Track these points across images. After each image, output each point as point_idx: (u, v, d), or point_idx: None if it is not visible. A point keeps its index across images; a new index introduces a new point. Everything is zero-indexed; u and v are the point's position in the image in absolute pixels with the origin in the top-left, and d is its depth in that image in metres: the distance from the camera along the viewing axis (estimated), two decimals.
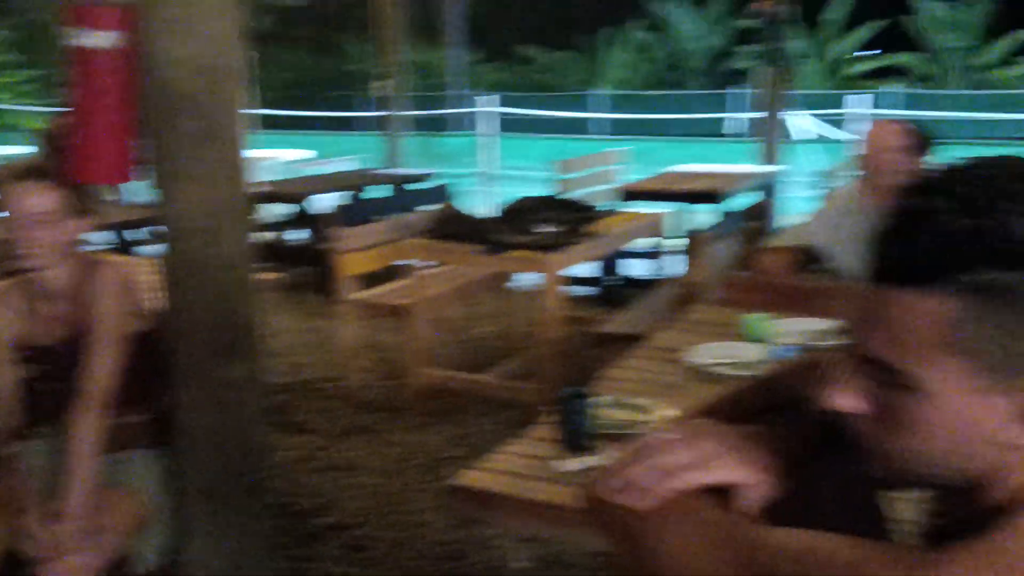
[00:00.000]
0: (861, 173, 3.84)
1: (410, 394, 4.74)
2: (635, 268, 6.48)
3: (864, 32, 26.47)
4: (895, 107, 22.29)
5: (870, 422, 0.92)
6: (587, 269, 6.26)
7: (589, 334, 4.36)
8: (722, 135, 18.72)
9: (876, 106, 21.93)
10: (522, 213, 4.36)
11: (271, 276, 4.79)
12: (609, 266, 6.33)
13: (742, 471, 1.00)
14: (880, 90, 24.14)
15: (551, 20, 30.55)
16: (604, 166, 7.28)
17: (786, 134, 12.75)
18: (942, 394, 0.86)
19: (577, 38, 29.75)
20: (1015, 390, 0.85)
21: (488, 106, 9.82)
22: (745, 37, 24.21)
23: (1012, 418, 0.85)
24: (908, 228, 0.87)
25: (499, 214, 4.50)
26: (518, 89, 29.07)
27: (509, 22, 30.96)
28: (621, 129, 22.46)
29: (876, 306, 0.89)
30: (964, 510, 0.90)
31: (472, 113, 10.34)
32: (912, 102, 22.87)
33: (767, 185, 7.25)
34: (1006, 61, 26.05)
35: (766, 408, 1.12)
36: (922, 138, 4.19)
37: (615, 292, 6.20)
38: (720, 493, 0.98)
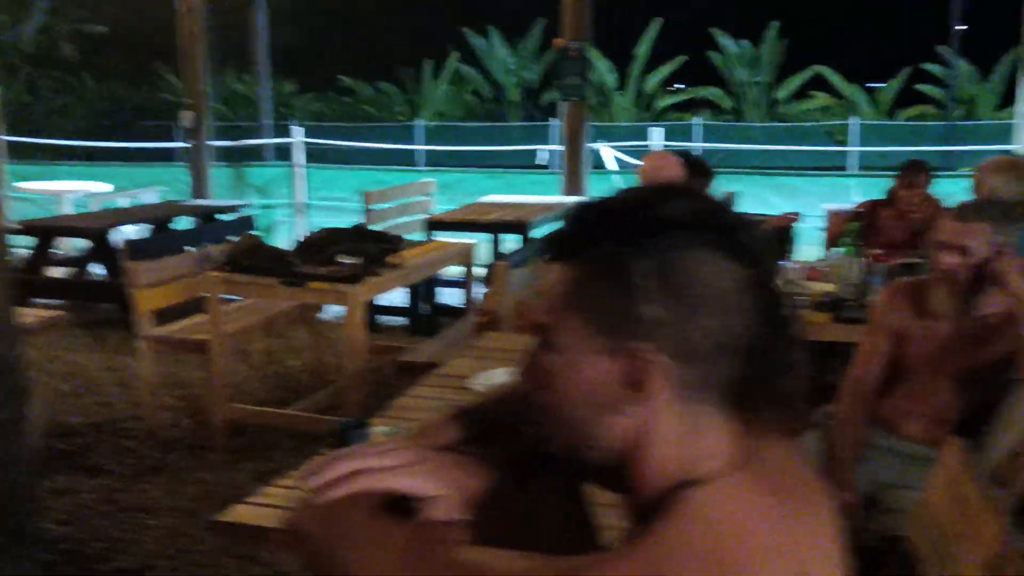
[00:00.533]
0: None
1: (214, 431, 4.62)
2: (447, 297, 6.54)
3: (671, 67, 27.59)
4: (696, 139, 23.43)
5: (535, 395, 1.01)
6: (398, 298, 6.28)
7: (393, 364, 4.37)
8: (540, 167, 19.14)
9: (678, 137, 23.04)
10: (322, 244, 4.34)
11: (44, 313, 4.57)
12: (421, 295, 6.37)
13: (431, 483, 1.04)
14: (691, 121, 25.32)
15: (373, 52, 30.53)
16: (413, 197, 7.33)
17: (600, 164, 13.18)
18: (568, 351, 0.97)
19: (399, 70, 29.88)
20: (622, 352, 0.93)
21: (296, 137, 9.73)
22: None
23: (619, 381, 0.94)
24: (566, 216, 1.02)
25: (298, 246, 4.47)
26: (341, 120, 28.92)
27: (331, 53, 30.76)
28: (442, 160, 22.66)
29: (544, 280, 1.02)
30: (634, 511, 0.97)
31: (286, 144, 10.21)
32: (712, 134, 24.08)
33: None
34: (800, 95, 27.73)
35: (487, 429, 1.17)
36: (697, 167, 4.45)
37: (426, 321, 6.24)
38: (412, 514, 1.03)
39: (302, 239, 4.55)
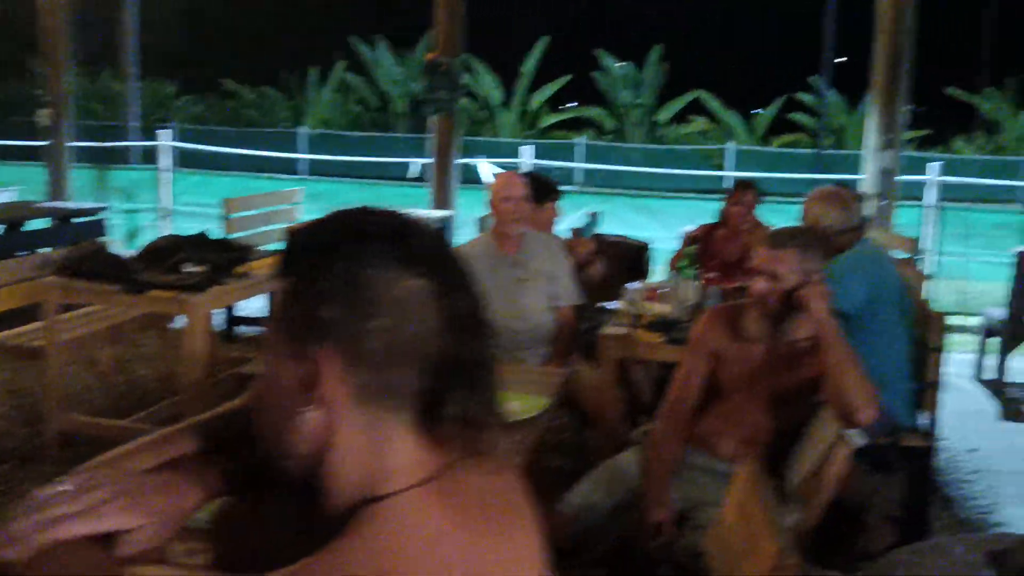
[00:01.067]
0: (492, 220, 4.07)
1: (47, 442, 4.45)
2: None
3: (556, 85, 27.92)
4: (579, 158, 23.76)
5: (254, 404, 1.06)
6: (254, 309, 6.18)
7: (235, 375, 4.30)
8: (416, 179, 19.16)
9: (562, 156, 23.31)
10: (165, 252, 4.25)
11: None
12: None
13: (125, 518, 1.02)
14: (574, 141, 25.64)
15: (258, 56, 30.05)
16: (278, 206, 7.23)
17: (477, 179, 13.24)
18: (269, 359, 1.02)
19: (284, 75, 29.46)
20: (302, 356, 0.97)
21: (163, 140, 9.50)
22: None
23: (299, 385, 0.97)
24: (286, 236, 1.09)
25: (141, 252, 4.36)
26: (223, 124, 28.32)
27: (214, 55, 30.14)
28: (326, 169, 22.41)
29: None
30: (329, 526, 0.97)
31: (153, 146, 9.96)
32: (594, 154, 24.45)
33: (441, 228, 7.49)
34: (680, 119, 28.40)
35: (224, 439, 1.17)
36: (543, 186, 4.53)
37: None
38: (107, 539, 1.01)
39: (146, 246, 4.44)
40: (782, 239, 2.84)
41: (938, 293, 8.62)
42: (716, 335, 2.96)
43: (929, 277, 4.95)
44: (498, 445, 1.00)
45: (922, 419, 3.86)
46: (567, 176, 22.35)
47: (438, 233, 1.05)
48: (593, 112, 29.00)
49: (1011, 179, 13.99)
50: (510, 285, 4.00)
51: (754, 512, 2.11)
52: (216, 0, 28.20)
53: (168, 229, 9.26)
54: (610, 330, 3.88)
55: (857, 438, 2.56)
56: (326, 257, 0.98)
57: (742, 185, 5.29)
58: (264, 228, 6.79)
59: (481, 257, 4.03)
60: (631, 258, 5.77)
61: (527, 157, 9.46)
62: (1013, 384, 6.35)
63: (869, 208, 7.47)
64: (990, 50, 27.16)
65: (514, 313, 3.99)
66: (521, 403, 2.80)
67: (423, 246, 1.00)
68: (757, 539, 2.03)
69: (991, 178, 16.90)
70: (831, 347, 2.70)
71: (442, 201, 7.73)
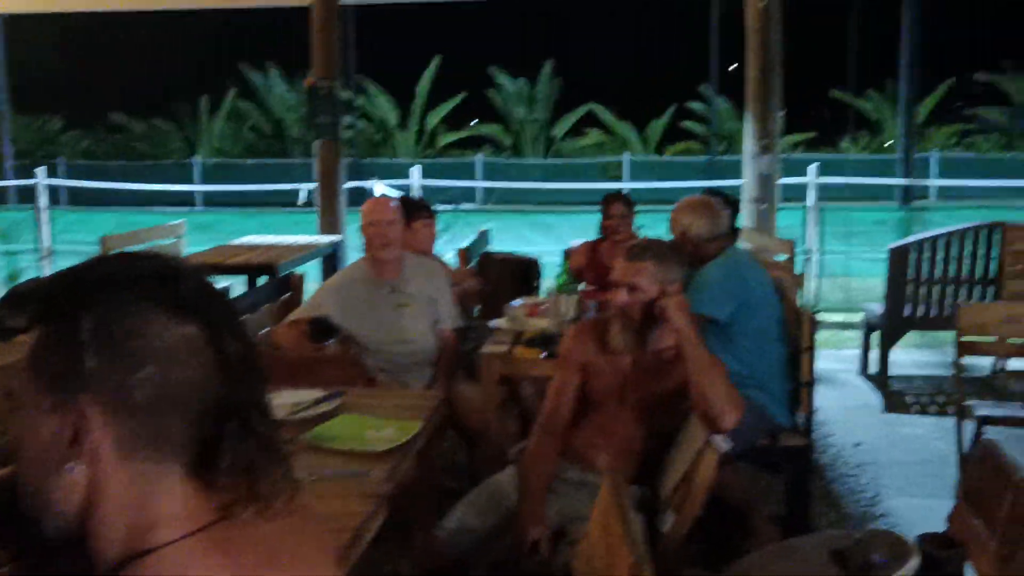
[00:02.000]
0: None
1: None
2: None
3: (451, 104, 27.98)
4: (478, 176, 23.85)
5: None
6: None
7: None
8: (307, 205, 18.99)
9: (462, 175, 23.35)
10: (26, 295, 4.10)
11: None
12: None
13: None
14: (472, 159, 25.71)
15: (147, 86, 29.44)
16: (162, 239, 7.08)
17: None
18: (25, 413, 0.96)
19: (175, 105, 28.92)
20: (63, 407, 0.93)
21: (40, 178, 9.22)
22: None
23: (62, 437, 0.93)
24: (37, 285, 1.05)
25: (5, 297, 4.20)
26: (113, 158, 27.63)
27: (100, 87, 29.42)
28: (218, 199, 22.03)
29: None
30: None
31: (24, 185, 9.65)
32: (493, 171, 24.57)
33: (330, 253, 7.42)
34: (575, 132, 28.73)
35: None
36: (415, 207, 4.53)
37: None
38: None
39: (10, 290, 4.29)
40: (638, 251, 2.88)
41: (823, 292, 8.88)
42: (584, 349, 2.98)
43: (802, 277, 5.08)
44: (282, 489, 0.97)
45: (800, 418, 3.93)
46: (468, 195, 22.41)
47: (209, 280, 1.02)
48: (490, 129, 29.14)
49: (890, 176, 14.48)
50: (390, 310, 3.98)
51: (613, 524, 2.12)
52: (98, 31, 27.51)
53: (50, 270, 8.98)
54: (490, 348, 3.88)
55: (723, 443, 2.60)
56: (86, 305, 0.94)
57: (610, 197, 5.37)
58: None
59: (358, 283, 4.01)
60: (520, 274, 5.80)
61: (416, 178, 9.43)
62: (895, 377, 6.56)
63: (749, 213, 7.66)
64: (865, 54, 28.13)
65: (396, 338, 3.97)
66: (396, 428, 2.77)
67: (190, 290, 0.97)
68: (615, 551, 2.04)
69: (873, 176, 17.44)
70: (692, 355, 2.73)
71: (330, 226, 7.66)
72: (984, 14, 28.30)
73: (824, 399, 6.04)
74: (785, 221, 9.35)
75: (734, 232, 4.89)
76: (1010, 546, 2.12)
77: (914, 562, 1.76)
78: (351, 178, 8.89)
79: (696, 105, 28.05)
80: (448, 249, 7.18)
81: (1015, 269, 6.34)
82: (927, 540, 1.99)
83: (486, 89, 28.65)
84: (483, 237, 6.79)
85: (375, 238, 3.94)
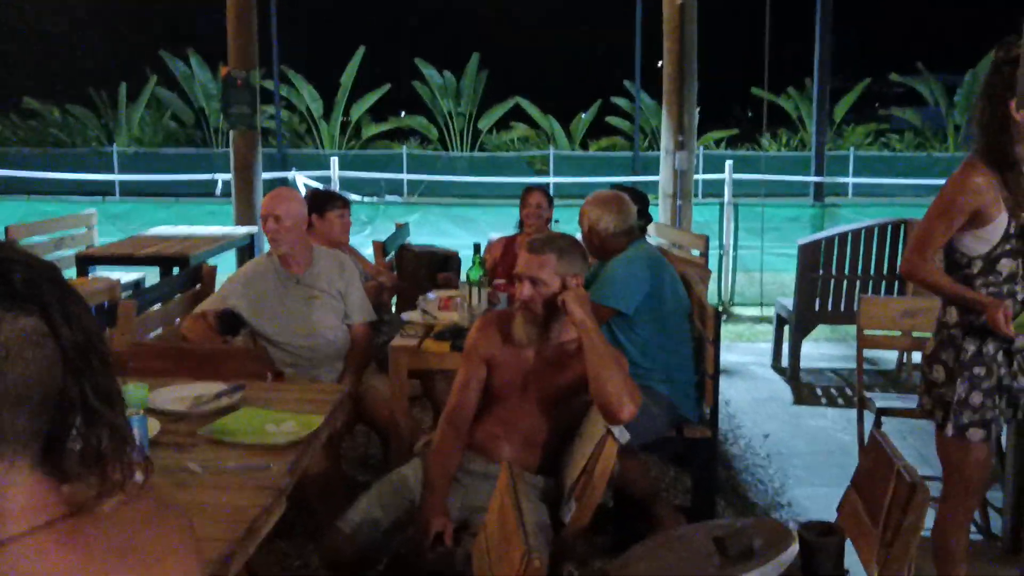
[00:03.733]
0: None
1: None
2: None
3: (376, 95, 27.78)
4: (404, 169, 23.76)
5: None
6: None
7: None
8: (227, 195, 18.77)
9: (391, 168, 23.22)
10: None
11: None
12: None
13: None
14: (399, 151, 25.58)
15: (64, 73, 28.69)
16: (70, 230, 6.92)
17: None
18: None
19: (93, 92, 28.23)
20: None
21: None
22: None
23: None
24: None
25: None
26: (27, 145, 26.89)
27: (14, 73, 28.58)
28: (136, 189, 21.61)
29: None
30: None
31: None
32: (419, 164, 24.51)
33: (245, 245, 7.34)
34: (501, 126, 28.77)
35: None
36: (324, 200, 4.51)
37: None
38: None
39: None
40: (540, 245, 2.91)
41: (737, 287, 9.04)
42: (488, 342, 3.00)
43: (708, 272, 5.18)
44: (134, 477, 0.97)
45: (706, 410, 4.01)
46: (396, 187, 22.31)
47: (47, 266, 1.00)
48: (417, 122, 29.02)
49: (803, 174, 14.80)
50: (300, 304, 3.96)
51: (508, 514, 2.14)
52: (11, 13, 26.74)
53: None
54: (399, 341, 3.88)
55: (622, 434, 2.64)
56: None
57: (528, 189, 5.40)
58: (56, 254, 6.49)
59: (267, 275, 3.98)
60: (438, 268, 5.79)
61: (335, 169, 9.37)
62: (805, 370, 6.71)
63: (666, 207, 7.76)
64: (783, 53, 28.64)
65: (305, 331, 3.95)
66: (297, 423, 2.76)
67: (28, 282, 0.94)
68: (510, 540, 2.06)
69: (792, 174, 17.81)
70: (591, 348, 2.77)
71: (246, 217, 7.57)
72: (900, 17, 29.06)
73: (735, 391, 6.16)
74: (703, 216, 9.49)
75: (644, 227, 4.96)
76: (891, 532, 2.19)
77: (792, 548, 1.81)
78: (275, 169, 8.82)
79: (621, 101, 28.30)
80: (369, 241, 7.16)
81: None
82: (807, 527, 2.05)
83: (412, 81, 28.53)
84: (402, 230, 6.77)
85: (265, 232, 3.94)
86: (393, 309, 5.26)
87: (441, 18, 28.38)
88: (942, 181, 3.03)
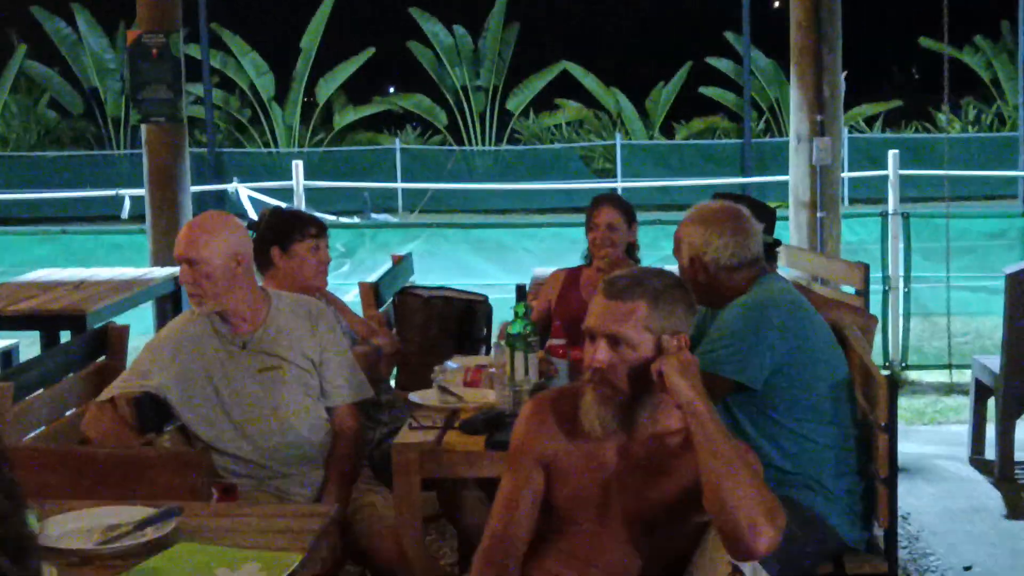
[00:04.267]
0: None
1: None
2: None
3: (355, 64, 27.91)
4: (395, 172, 23.90)
5: None
6: None
7: None
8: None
9: (375, 173, 23.32)
10: None
11: None
12: None
13: None
14: (391, 146, 25.76)
15: None
16: None
17: (242, 212, 13.11)
18: None
19: None
20: None
21: None
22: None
23: None
24: None
25: None
26: None
27: None
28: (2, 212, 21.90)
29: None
30: None
31: None
32: (418, 164, 24.63)
33: (168, 294, 7.40)
34: (542, 104, 28.81)
35: None
36: (290, 224, 4.55)
37: None
38: None
39: None
40: (624, 286, 2.89)
41: (912, 340, 8.97)
42: (545, 435, 2.98)
43: (874, 319, 5.12)
44: None
45: (878, 532, 3.97)
46: (385, 200, 22.44)
47: None
48: (415, 102, 29.21)
49: (1011, 166, 14.74)
50: (250, 379, 3.97)
51: None
52: None
53: None
54: (408, 436, 3.87)
55: (755, 573, 2.62)
56: None
57: (600, 201, 5.41)
58: None
59: (203, 341, 3.99)
60: (459, 321, 5.81)
61: (300, 177, 9.45)
62: (1020, 464, 6.63)
63: (799, 223, 7.74)
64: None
65: (264, 423, 3.96)
66: (262, 566, 2.76)
67: None
68: None
69: (990, 166, 17.74)
70: (706, 443, 2.75)
71: (168, 252, 7.62)
72: None
73: (917, 501, 6.10)
74: (855, 234, 9.47)
75: (772, 255, 4.93)
76: None
77: None
78: (207, 179, 8.90)
79: (721, 63, 28.36)
80: (351, 283, 7.17)
81: None
82: None
83: (407, 42, 28.73)
84: (401, 266, 6.80)
85: (181, 283, 3.97)
86: (393, 384, 5.27)
87: None
88: None
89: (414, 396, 4.35)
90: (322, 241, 4.70)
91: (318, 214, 9.40)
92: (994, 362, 6.70)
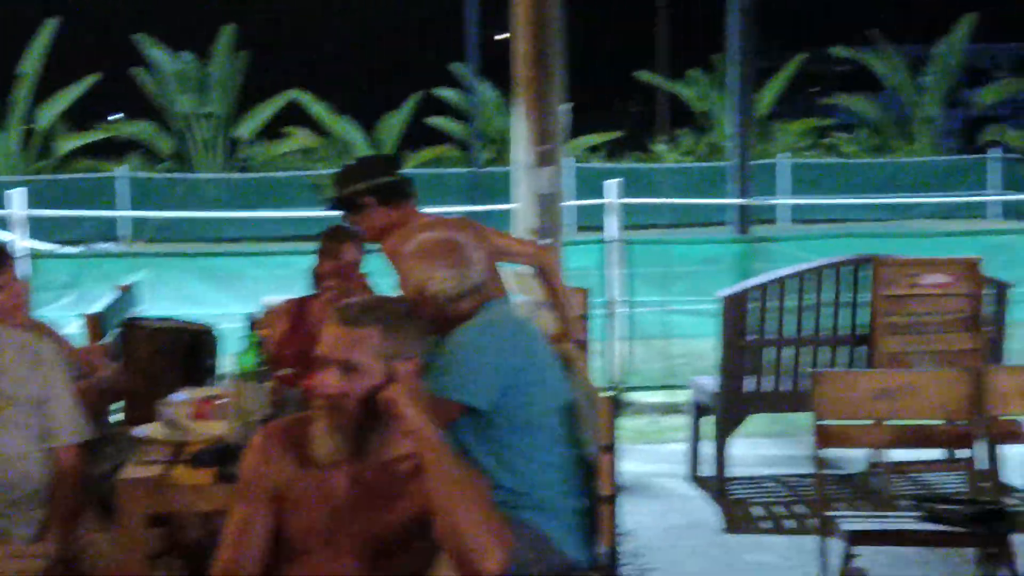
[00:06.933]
0: None
1: None
2: None
3: (78, 90, 27.26)
4: (122, 200, 23.37)
5: None
6: None
7: None
8: None
9: (96, 200, 22.73)
10: None
11: None
12: None
13: None
14: (113, 173, 25.16)
15: None
16: None
17: None
18: None
19: None
20: None
21: None
22: None
23: None
24: None
25: None
26: None
27: None
28: None
29: None
30: None
31: None
32: (143, 192, 24.14)
33: None
34: (271, 133, 28.62)
35: None
36: None
37: None
38: None
39: None
40: (356, 314, 2.90)
41: (633, 362, 9.20)
42: (275, 465, 2.96)
43: (585, 345, 5.25)
44: None
45: (602, 549, 4.05)
46: (107, 227, 21.88)
47: None
48: (140, 129, 28.65)
49: (719, 195, 15.28)
50: None
51: None
52: None
53: None
54: (133, 472, 3.80)
55: None
56: None
57: (332, 234, 5.39)
58: None
59: None
60: (185, 353, 5.71)
61: (19, 206, 9.15)
62: (737, 480, 6.87)
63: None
64: (684, 24, 29.70)
65: None
66: None
67: None
68: None
69: (704, 193, 18.37)
70: (435, 468, 2.77)
71: None
72: None
73: (639, 517, 6.25)
74: (580, 261, 9.65)
75: (405, 191, 5.07)
76: None
77: None
78: None
79: (449, 93, 28.62)
80: (73, 314, 6.97)
81: (890, 322, 6.77)
82: None
83: (131, 68, 28.17)
84: (126, 297, 6.66)
85: None
86: (123, 416, 5.15)
87: None
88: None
89: (138, 430, 4.26)
90: (10, 271, 4.50)
91: (37, 243, 9.10)
92: (711, 382, 6.93)
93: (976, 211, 21.79)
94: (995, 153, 25.74)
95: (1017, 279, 7.20)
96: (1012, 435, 4.67)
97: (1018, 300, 6.99)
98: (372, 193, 5.08)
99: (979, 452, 4.92)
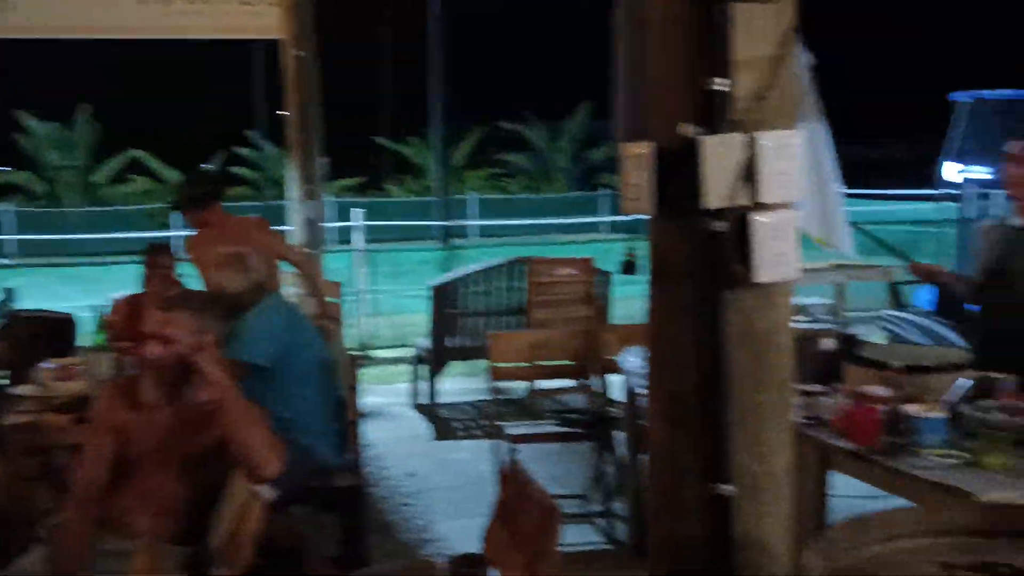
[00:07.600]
0: None
1: None
2: None
3: None
4: (9, 229, 21.78)
5: None
6: None
7: None
8: None
9: None
10: None
11: None
12: None
13: None
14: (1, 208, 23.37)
15: None
16: None
17: None
18: None
19: None
20: None
21: None
22: None
23: None
24: None
25: None
26: None
27: None
28: None
29: None
30: None
31: None
32: (28, 222, 22.57)
33: None
34: (119, 179, 27.23)
35: None
36: None
37: None
38: None
39: None
40: (171, 303, 2.79)
41: (375, 330, 9.16)
42: (116, 409, 2.82)
43: (339, 320, 5.25)
44: None
45: (350, 456, 4.02)
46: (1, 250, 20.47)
47: None
48: (21, 177, 26.72)
49: (430, 219, 15.40)
50: None
51: None
52: None
53: None
54: (13, 418, 3.55)
55: (267, 491, 2.58)
56: None
57: (153, 249, 5.22)
58: None
59: None
60: (53, 334, 5.37)
61: None
62: (443, 405, 6.93)
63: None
64: (403, 102, 29.60)
65: None
66: None
67: None
68: None
69: (418, 218, 18.39)
70: (228, 407, 2.70)
71: None
72: (508, 69, 31.15)
73: (378, 433, 6.22)
74: (339, 264, 9.55)
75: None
76: (533, 557, 2.30)
77: None
78: None
79: (245, 151, 27.82)
80: None
81: (539, 299, 6.99)
82: (457, 561, 2.12)
83: (14, 135, 26.26)
84: (8, 296, 6.24)
85: None
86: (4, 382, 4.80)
87: (46, 69, 26.25)
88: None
89: (17, 389, 3.98)
90: None
91: None
92: (425, 341, 6.97)
93: (592, 229, 22.59)
94: (605, 192, 26.68)
95: (615, 270, 7.49)
96: (614, 369, 4.83)
97: (616, 283, 7.24)
98: (196, 199, 4.95)
99: (595, 381, 5.06)
